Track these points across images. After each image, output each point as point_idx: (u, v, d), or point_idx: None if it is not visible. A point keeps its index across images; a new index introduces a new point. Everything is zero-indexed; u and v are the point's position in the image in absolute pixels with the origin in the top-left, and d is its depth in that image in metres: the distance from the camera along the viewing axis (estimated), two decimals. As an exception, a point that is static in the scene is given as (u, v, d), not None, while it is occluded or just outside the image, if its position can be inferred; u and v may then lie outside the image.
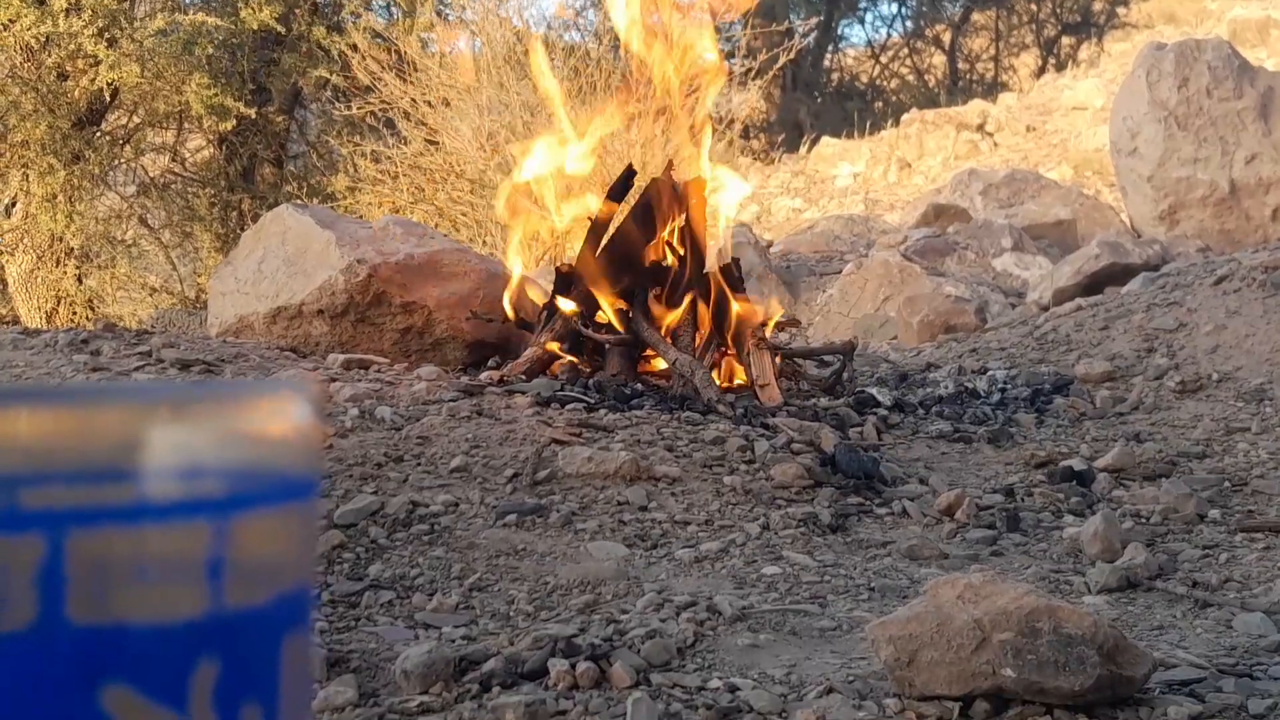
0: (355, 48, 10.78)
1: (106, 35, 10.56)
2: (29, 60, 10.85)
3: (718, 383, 3.45)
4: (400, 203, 10.33)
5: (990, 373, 4.02)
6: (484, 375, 3.60)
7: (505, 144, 10.04)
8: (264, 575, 0.45)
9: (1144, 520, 2.82)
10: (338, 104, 11.66)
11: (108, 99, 11.34)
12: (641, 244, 3.64)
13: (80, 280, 11.35)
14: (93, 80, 10.59)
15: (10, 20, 10.37)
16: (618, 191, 3.70)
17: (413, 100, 10.59)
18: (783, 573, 2.51)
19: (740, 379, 3.60)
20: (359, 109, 11.02)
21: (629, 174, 3.71)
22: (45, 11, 10.39)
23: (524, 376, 3.53)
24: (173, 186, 12.46)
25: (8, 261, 11.33)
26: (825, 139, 13.92)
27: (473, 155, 10.28)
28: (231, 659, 0.43)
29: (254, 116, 11.03)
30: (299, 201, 9.15)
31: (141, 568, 0.41)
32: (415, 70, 10.57)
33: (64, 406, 0.41)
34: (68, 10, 10.36)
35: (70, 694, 0.40)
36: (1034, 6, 23.52)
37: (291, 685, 0.46)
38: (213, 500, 0.43)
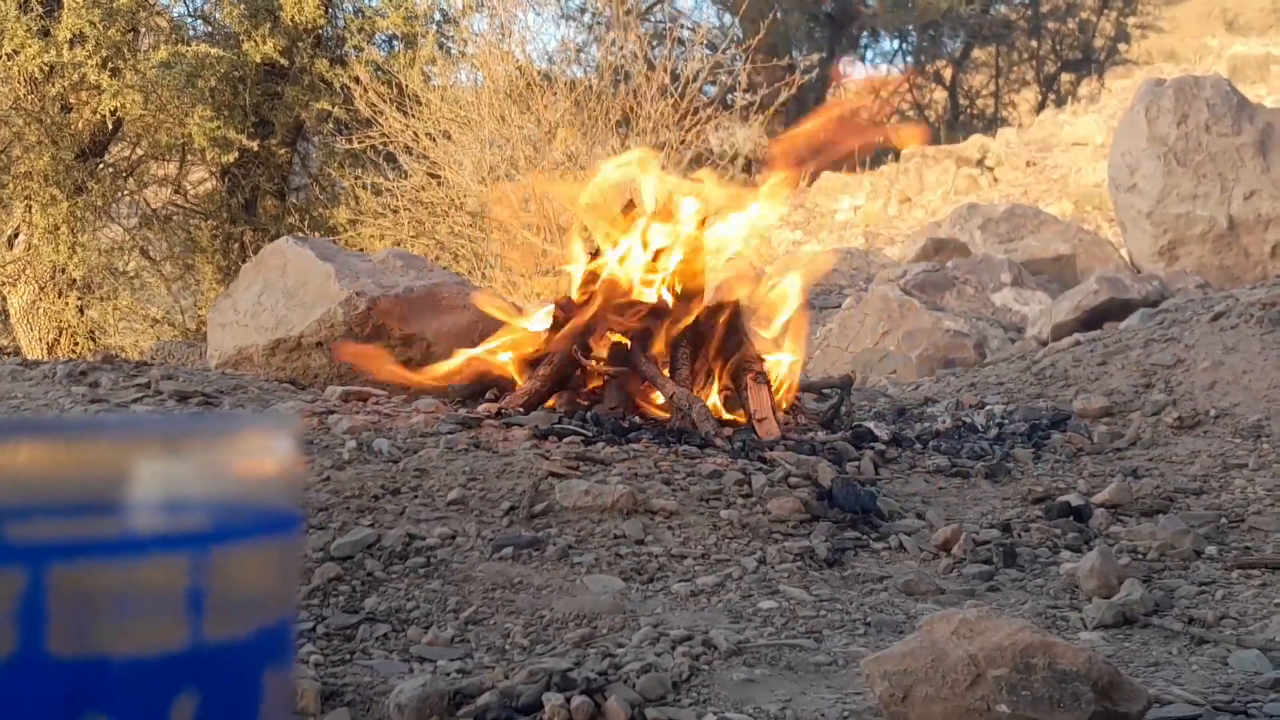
0: (358, 80, 10.82)
1: (110, 66, 10.60)
2: (33, 92, 10.89)
3: (715, 417, 3.46)
4: (401, 235, 10.36)
5: (988, 407, 4.02)
6: (482, 408, 3.60)
7: (505, 177, 10.07)
8: (245, 608, 0.45)
9: (1141, 556, 2.82)
10: (340, 137, 11.70)
11: (110, 130, 11.38)
12: (639, 277, 3.65)
13: (82, 311, 11.37)
14: (95, 110, 10.63)
15: (15, 50, 10.42)
16: (620, 225, 3.71)
17: (414, 134, 10.63)
18: (779, 607, 2.51)
19: (737, 414, 3.60)
20: (360, 142, 11.06)
21: (628, 208, 3.72)
22: (49, 42, 10.44)
23: (522, 409, 3.54)
24: (175, 218, 12.49)
25: (10, 293, 11.35)
26: (826, 173, 13.95)
27: (474, 189, 10.31)
28: (211, 691, 0.43)
29: (256, 149, 11.07)
30: (300, 234, 9.18)
31: (122, 600, 0.42)
32: (417, 104, 10.61)
33: (49, 440, 0.41)
34: (72, 41, 10.41)
35: None
36: (1034, 43, 23.62)
37: (272, 714, 0.46)
38: (194, 534, 0.43)
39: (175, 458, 0.44)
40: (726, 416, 3.56)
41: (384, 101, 10.64)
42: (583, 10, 15.10)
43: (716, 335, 3.67)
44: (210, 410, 3.39)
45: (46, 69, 10.66)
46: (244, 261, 11.38)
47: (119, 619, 0.42)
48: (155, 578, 0.43)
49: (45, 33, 10.50)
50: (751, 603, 2.53)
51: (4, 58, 10.61)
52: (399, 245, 9.71)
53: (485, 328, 3.90)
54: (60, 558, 0.41)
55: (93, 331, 11.45)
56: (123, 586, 0.42)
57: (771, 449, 3.28)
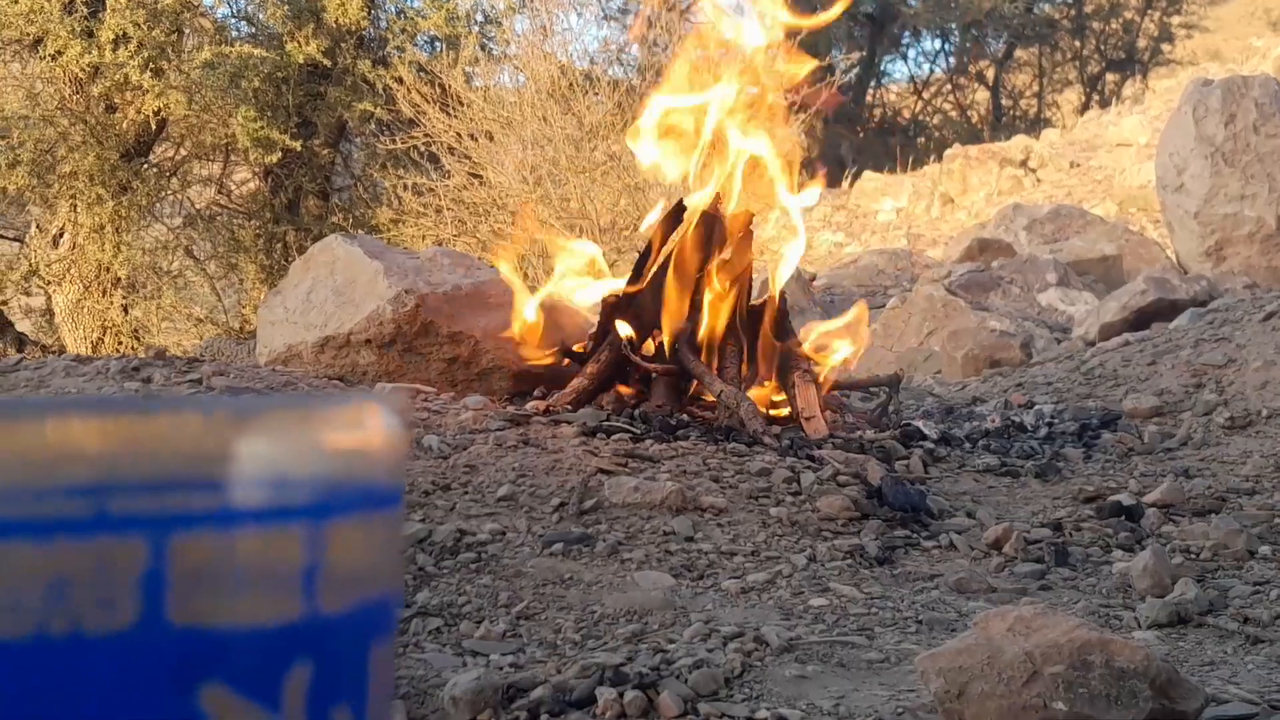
0: (400, 81, 10.86)
1: (153, 66, 10.67)
2: (78, 92, 10.98)
3: (763, 415, 3.45)
4: (443, 235, 10.39)
5: (1037, 407, 4.00)
6: (530, 405, 3.61)
7: (547, 177, 10.09)
8: (354, 582, 0.45)
9: (1194, 556, 2.80)
10: (382, 137, 11.74)
11: (155, 130, 11.46)
12: (689, 275, 3.66)
13: (126, 310, 11.44)
14: (139, 110, 10.70)
15: (59, 51, 10.50)
16: (668, 224, 3.71)
17: (456, 134, 10.66)
18: (830, 604, 2.50)
19: (785, 411, 3.60)
20: (403, 142, 11.09)
21: (679, 207, 3.72)
22: (93, 43, 10.52)
23: (570, 407, 3.54)
24: (218, 218, 12.56)
25: (55, 292, 11.44)
26: (867, 173, 13.92)
27: (515, 189, 10.32)
28: (323, 663, 0.44)
29: (299, 149, 11.12)
30: (347, 233, 9.20)
31: (239, 572, 0.42)
32: (459, 104, 10.64)
33: (163, 416, 0.42)
34: (115, 42, 10.48)
35: (168, 692, 0.41)
36: (1078, 43, 23.49)
37: (378, 691, 0.47)
38: (307, 507, 0.44)
39: (286, 434, 0.44)
40: (774, 414, 3.55)
41: (426, 102, 10.67)
42: (624, 11, 15.10)
43: (764, 333, 3.67)
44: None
45: (91, 69, 10.74)
46: (287, 261, 11.47)
47: (236, 590, 0.43)
48: (271, 550, 0.43)
49: (89, 33, 10.58)
50: (802, 600, 2.52)
51: (48, 58, 10.70)
52: (440, 245, 9.73)
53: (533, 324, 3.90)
54: (180, 528, 0.41)
55: (137, 330, 11.52)
56: (240, 558, 0.43)
57: (820, 447, 3.27)
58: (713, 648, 2.26)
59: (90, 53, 10.50)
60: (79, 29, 10.46)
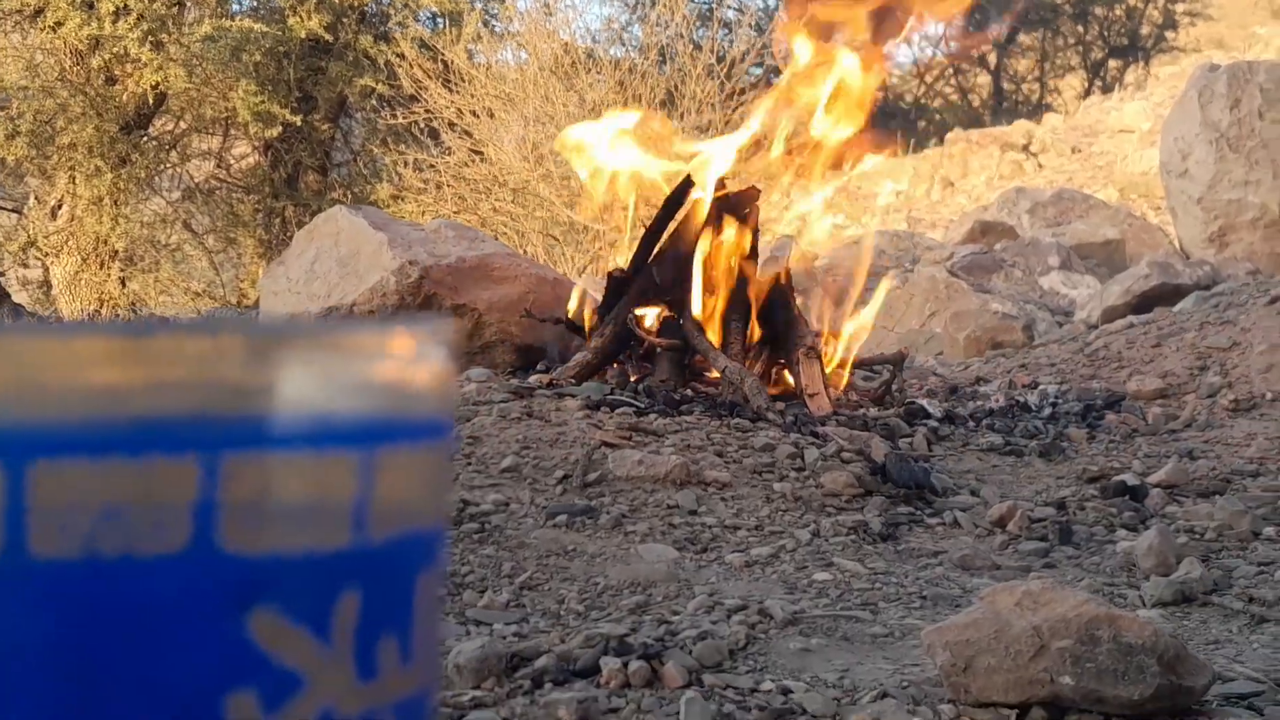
0: (402, 56, 10.83)
1: (153, 39, 10.64)
2: (78, 64, 10.94)
3: (767, 391, 3.45)
4: (443, 212, 10.38)
5: (1041, 387, 4.00)
6: (534, 378, 3.61)
7: (549, 155, 10.07)
8: (403, 512, 0.45)
9: (1198, 536, 2.80)
10: (383, 113, 11.72)
11: (154, 103, 11.43)
12: (694, 251, 3.65)
13: (124, 283, 11.42)
14: (139, 83, 10.67)
15: (58, 22, 10.47)
16: (674, 200, 3.71)
17: (458, 110, 10.64)
18: (834, 579, 2.50)
19: (789, 387, 3.60)
20: (404, 118, 11.07)
21: (686, 184, 3.71)
22: (93, 14, 10.49)
23: (574, 380, 3.54)
24: (217, 192, 12.55)
25: (53, 263, 11.42)
26: (868, 156, 13.88)
27: (516, 166, 10.31)
28: (372, 591, 0.43)
29: (299, 124, 11.10)
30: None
31: (291, 497, 0.41)
32: (461, 80, 10.62)
33: (213, 337, 0.41)
34: (115, 13, 10.45)
35: (218, 617, 0.40)
36: (1080, 29, 23.45)
37: (424, 623, 0.46)
38: (358, 433, 0.43)
39: (334, 358, 0.43)
40: (778, 391, 3.55)
41: (428, 77, 10.65)
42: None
43: (769, 310, 3.66)
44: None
45: (91, 41, 10.71)
46: (285, 236, 11.46)
47: (287, 516, 0.42)
48: (322, 476, 0.43)
49: (89, 5, 10.55)
50: (806, 574, 2.52)
51: (49, 29, 10.67)
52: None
53: (538, 298, 3.90)
54: (233, 451, 0.41)
55: (134, 303, 11.51)
56: (291, 483, 0.42)
57: (823, 424, 3.27)
58: (717, 620, 2.25)
59: (90, 24, 10.48)
60: (79, 0, 10.43)
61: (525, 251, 9.74)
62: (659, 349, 3.61)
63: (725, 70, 10.05)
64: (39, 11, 10.79)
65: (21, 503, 0.39)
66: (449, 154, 10.85)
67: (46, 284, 12.04)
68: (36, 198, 11.71)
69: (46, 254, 11.32)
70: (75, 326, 0.44)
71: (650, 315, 3.63)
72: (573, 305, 3.80)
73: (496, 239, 10.33)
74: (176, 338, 0.41)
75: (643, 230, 3.76)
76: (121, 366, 0.40)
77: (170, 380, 0.40)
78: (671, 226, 3.69)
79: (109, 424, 0.39)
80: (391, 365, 0.44)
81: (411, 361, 0.45)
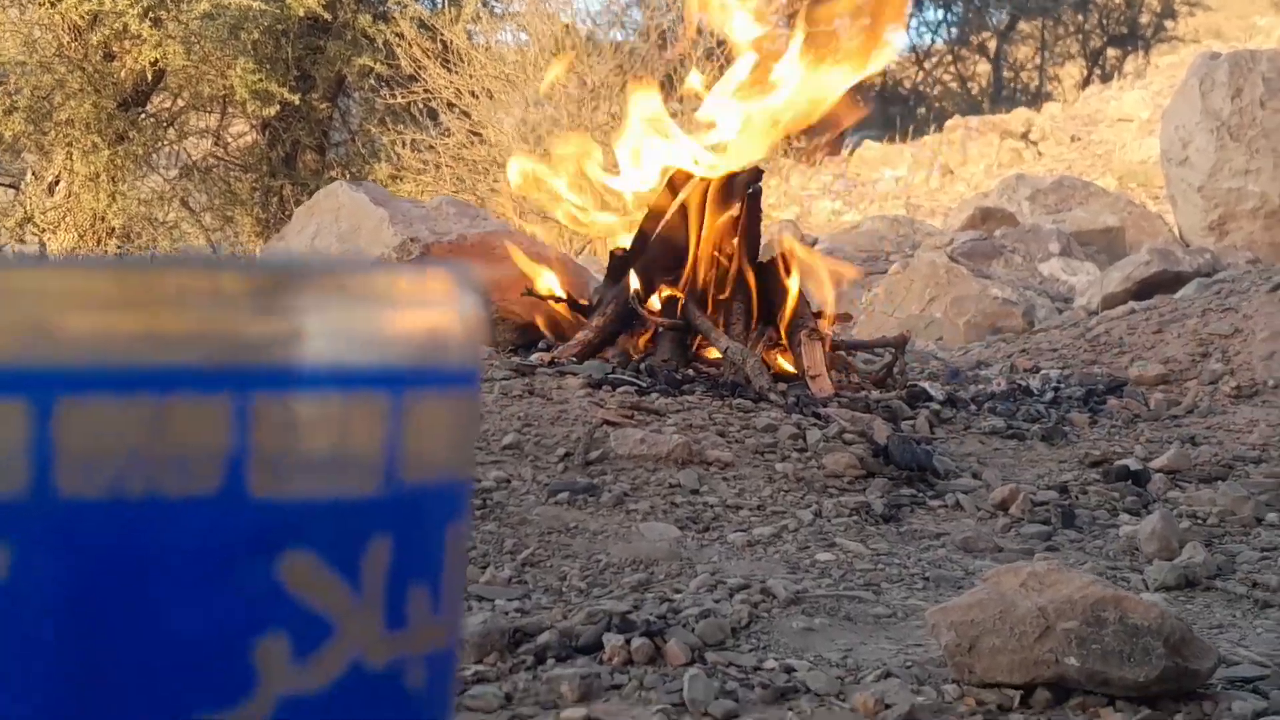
0: (401, 36, 10.79)
1: (152, 16, 10.59)
2: (76, 39, 10.90)
3: (769, 371, 3.44)
4: (441, 193, 10.35)
5: (1043, 372, 3.99)
6: (535, 356, 3.59)
7: (548, 136, 10.05)
8: (433, 460, 0.44)
9: (1201, 521, 2.79)
10: (381, 92, 11.69)
11: (152, 80, 11.39)
12: (696, 231, 3.64)
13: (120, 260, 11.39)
14: (137, 59, 10.63)
15: (57, -4, 10.43)
16: (678, 180, 3.69)
17: (457, 91, 10.62)
18: (836, 559, 2.49)
19: (790, 368, 3.59)
20: (402, 98, 11.04)
21: (681, 172, 3.70)
22: (92, -11, 10.44)
23: (576, 359, 3.53)
24: (215, 170, 12.51)
25: (49, 239, 11.39)
26: (868, 142, 13.88)
27: (515, 147, 10.29)
28: (401, 540, 0.43)
29: (297, 103, 11.06)
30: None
31: (321, 441, 0.40)
32: (461, 61, 10.59)
33: (248, 276, 0.40)
34: (116, -12, 10.41)
35: (247, 560, 0.39)
36: (1080, 17, 23.43)
37: (452, 573, 0.46)
38: (389, 377, 0.42)
39: (365, 300, 0.42)
40: (779, 371, 3.54)
41: (427, 57, 10.62)
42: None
43: (770, 290, 3.65)
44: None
45: (89, 17, 10.67)
46: (283, 215, 11.44)
47: (317, 460, 0.41)
48: (353, 420, 0.42)
49: (89, -21, 10.50)
50: (808, 554, 2.51)
51: (47, 4, 10.63)
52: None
53: (538, 277, 3.88)
54: (263, 389, 0.40)
55: (130, 280, 11.48)
56: (321, 426, 0.41)
57: (825, 405, 3.26)
58: (719, 598, 2.25)
59: (89, 0, 10.43)
60: (79, -26, 10.39)
61: (510, 225, 9.72)
62: (660, 328, 3.60)
63: (726, 54, 10.02)
64: (38, -14, 10.75)
65: (48, 440, 0.38)
66: (448, 135, 10.83)
67: (43, 259, 12.03)
68: (34, 173, 11.68)
69: (43, 230, 11.29)
70: (104, 262, 0.43)
71: (652, 295, 3.62)
72: (543, 285, 3.77)
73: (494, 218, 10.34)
74: (207, 275, 0.40)
75: (645, 210, 3.74)
76: (151, 305, 0.39)
77: (200, 319, 0.39)
78: (674, 206, 3.67)
79: (137, 363, 0.39)
80: (422, 310, 0.43)
81: (442, 307, 0.44)
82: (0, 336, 0.39)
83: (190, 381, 0.39)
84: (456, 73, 10.59)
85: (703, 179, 3.68)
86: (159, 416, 0.39)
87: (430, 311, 0.44)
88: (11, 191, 12.23)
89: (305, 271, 0.41)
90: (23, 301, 0.39)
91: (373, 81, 12.06)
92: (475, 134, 10.57)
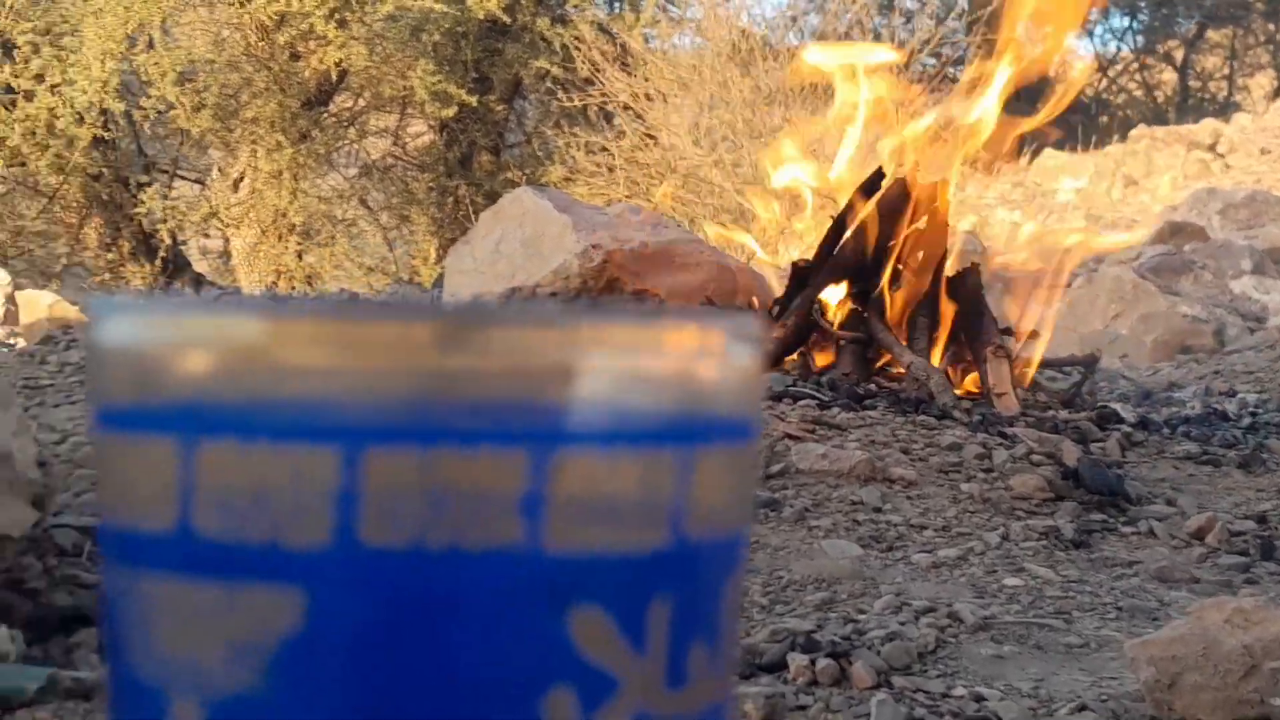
0: (579, 39, 10.87)
1: (337, 17, 10.82)
2: (263, 39, 11.18)
3: (953, 388, 3.38)
4: (615, 195, 10.41)
5: (1240, 395, 3.87)
6: (714, 366, 3.57)
7: (723, 141, 10.05)
8: (715, 514, 0.44)
9: None
10: (558, 95, 11.79)
11: (335, 81, 11.64)
12: (881, 243, 3.60)
13: (300, 256, 11.66)
14: (321, 60, 10.87)
15: (246, -2, 10.70)
16: (865, 190, 3.65)
17: (632, 94, 10.66)
18: (1024, 585, 2.44)
19: (975, 386, 3.53)
20: (579, 100, 11.12)
21: (878, 174, 3.66)
22: (279, -10, 10.69)
23: (755, 370, 3.51)
24: (393, 170, 12.74)
25: (233, 234, 11.71)
26: (1048, 151, 13.59)
27: (689, 151, 10.30)
28: (685, 594, 0.42)
29: (475, 105, 11.20)
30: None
31: (613, 494, 0.40)
32: (638, 64, 10.64)
33: (538, 326, 0.40)
34: (302, -11, 10.65)
35: (541, 616, 0.39)
36: (1271, 26, 22.68)
37: (729, 628, 0.45)
38: (676, 430, 0.42)
39: (651, 351, 0.42)
40: (964, 388, 3.48)
41: (604, 60, 10.68)
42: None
43: (957, 305, 3.59)
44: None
45: (277, 17, 10.93)
46: (458, 215, 11.62)
47: (610, 514, 0.41)
48: (644, 474, 0.42)
49: (276, -20, 10.76)
50: (996, 579, 2.47)
51: (236, 4, 10.92)
52: (612, 205, 9.73)
53: (719, 285, 3.88)
54: (560, 442, 0.40)
55: (309, 276, 11.74)
56: (615, 480, 0.41)
57: (1012, 424, 3.20)
58: (905, 621, 2.21)
59: (278, 1, 10.69)
60: (267, -24, 10.65)
61: (692, 233, 9.72)
62: (842, 341, 3.57)
63: (905, 60, 9.92)
64: (228, -14, 11.04)
65: (355, 488, 0.38)
66: (622, 137, 10.89)
67: (226, 254, 12.37)
68: (219, 170, 12.01)
69: (227, 225, 11.60)
70: (407, 309, 0.43)
71: (834, 307, 3.59)
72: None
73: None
74: (500, 325, 0.40)
75: (830, 220, 3.71)
76: (449, 352, 0.39)
77: (495, 369, 0.39)
78: (859, 216, 3.63)
79: (440, 411, 0.38)
80: (705, 362, 0.43)
81: (724, 358, 0.44)
82: (312, 383, 0.39)
83: (492, 433, 0.39)
84: (633, 76, 10.64)
85: (888, 189, 3.64)
86: (461, 466, 0.39)
87: (713, 362, 0.44)
88: (197, 187, 12.60)
89: (592, 322, 0.41)
90: (333, 347, 0.39)
91: (549, 84, 12.17)
92: (650, 137, 10.60)
